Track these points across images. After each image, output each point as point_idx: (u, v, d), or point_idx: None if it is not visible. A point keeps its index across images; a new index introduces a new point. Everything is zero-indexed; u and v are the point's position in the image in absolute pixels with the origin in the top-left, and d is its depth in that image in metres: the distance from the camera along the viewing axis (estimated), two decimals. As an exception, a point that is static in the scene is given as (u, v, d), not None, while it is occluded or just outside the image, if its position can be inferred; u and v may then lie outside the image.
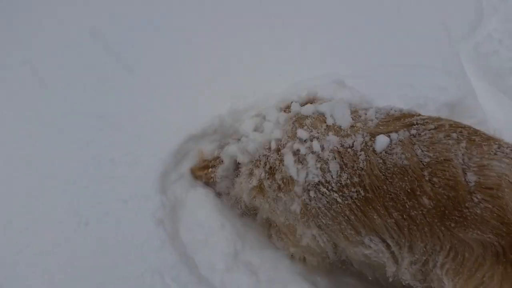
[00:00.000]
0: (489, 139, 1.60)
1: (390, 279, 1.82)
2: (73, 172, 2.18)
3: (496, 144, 1.57)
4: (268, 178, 1.91)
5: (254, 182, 1.96)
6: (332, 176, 1.71)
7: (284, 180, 1.84)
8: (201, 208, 2.20)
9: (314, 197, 1.77)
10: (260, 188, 1.96)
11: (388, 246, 1.72)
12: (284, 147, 1.86)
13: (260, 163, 1.95)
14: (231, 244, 2.10)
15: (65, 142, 2.30)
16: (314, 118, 1.88)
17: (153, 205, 2.08)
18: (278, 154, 1.87)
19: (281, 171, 1.84)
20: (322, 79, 2.51)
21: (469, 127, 1.66)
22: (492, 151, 1.54)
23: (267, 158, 1.91)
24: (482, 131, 1.64)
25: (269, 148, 1.91)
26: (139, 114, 2.41)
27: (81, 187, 2.13)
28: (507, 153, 1.54)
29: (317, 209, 1.78)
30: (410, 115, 1.75)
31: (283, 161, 1.83)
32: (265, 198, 1.97)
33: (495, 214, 1.47)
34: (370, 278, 1.99)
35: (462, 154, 1.54)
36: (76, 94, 2.54)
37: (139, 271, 1.88)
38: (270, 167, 1.89)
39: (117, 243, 1.96)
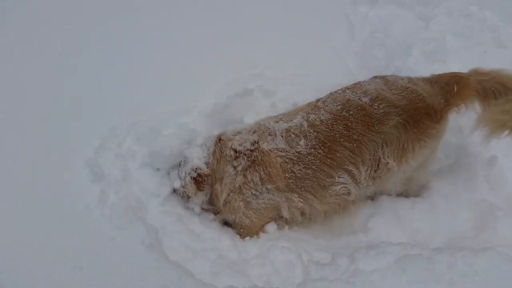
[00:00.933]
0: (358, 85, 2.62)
1: (354, 206, 2.68)
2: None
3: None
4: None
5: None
6: (301, 148, 2.46)
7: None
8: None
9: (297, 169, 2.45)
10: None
11: (350, 173, 2.50)
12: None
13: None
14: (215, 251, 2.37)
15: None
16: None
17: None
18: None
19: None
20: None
21: (351, 85, 2.64)
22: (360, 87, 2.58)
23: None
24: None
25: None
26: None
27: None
28: (371, 81, 2.59)
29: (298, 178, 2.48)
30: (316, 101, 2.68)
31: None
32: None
33: (389, 106, 2.42)
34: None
35: (353, 94, 2.52)
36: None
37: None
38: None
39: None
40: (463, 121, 3.28)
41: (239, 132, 2.64)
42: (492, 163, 3.03)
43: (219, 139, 2.64)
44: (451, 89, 2.53)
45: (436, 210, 2.82)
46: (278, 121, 2.60)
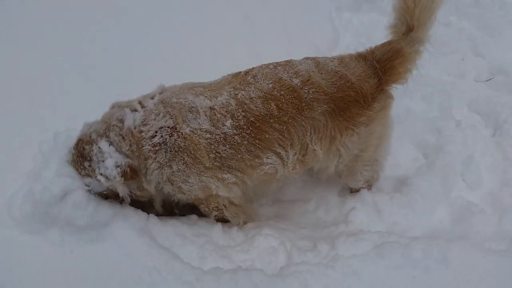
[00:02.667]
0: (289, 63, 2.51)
1: (279, 183, 2.68)
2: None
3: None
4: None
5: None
6: (227, 129, 2.34)
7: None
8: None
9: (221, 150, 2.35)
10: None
11: (279, 155, 2.45)
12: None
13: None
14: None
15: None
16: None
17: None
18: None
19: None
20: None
21: (283, 62, 2.52)
22: (292, 66, 2.46)
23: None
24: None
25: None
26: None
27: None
28: (303, 62, 2.51)
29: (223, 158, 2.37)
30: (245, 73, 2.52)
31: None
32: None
33: (318, 92, 2.37)
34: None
35: (286, 73, 2.41)
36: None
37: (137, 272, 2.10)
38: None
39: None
40: (441, 123, 3.45)
41: (146, 119, 2.34)
42: (469, 162, 3.17)
43: (131, 133, 2.33)
44: (382, 66, 2.46)
45: (413, 205, 2.94)
46: (198, 95, 2.38)
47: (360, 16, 4.29)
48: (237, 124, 2.32)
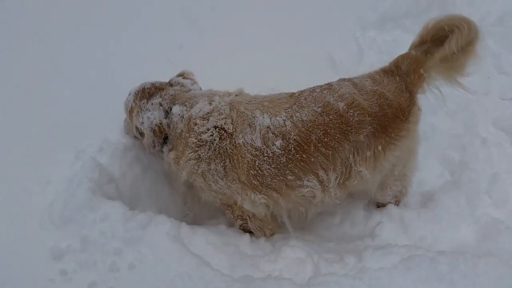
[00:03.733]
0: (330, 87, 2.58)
1: (317, 208, 2.69)
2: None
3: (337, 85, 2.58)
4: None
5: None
6: (276, 148, 2.43)
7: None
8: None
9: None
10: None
11: (320, 178, 2.49)
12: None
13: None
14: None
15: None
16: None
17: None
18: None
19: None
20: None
21: (325, 85, 2.61)
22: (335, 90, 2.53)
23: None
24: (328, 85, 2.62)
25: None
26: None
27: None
28: (342, 84, 2.57)
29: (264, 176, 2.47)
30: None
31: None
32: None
33: (363, 114, 2.45)
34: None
35: (331, 96, 2.49)
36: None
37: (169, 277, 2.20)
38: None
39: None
40: (466, 140, 3.47)
41: (208, 114, 2.48)
42: (494, 179, 3.18)
43: (188, 121, 2.50)
44: (412, 78, 2.58)
45: (439, 220, 2.96)
46: (263, 113, 2.47)
47: (384, 35, 4.36)
48: (286, 145, 2.40)
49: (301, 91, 2.61)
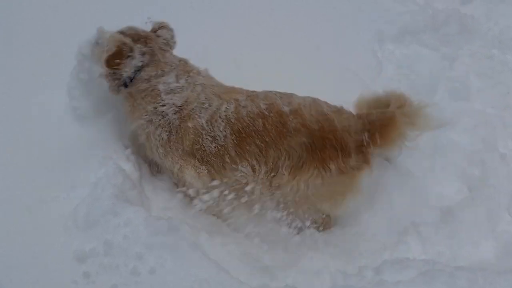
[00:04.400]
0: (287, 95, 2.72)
1: (247, 198, 2.70)
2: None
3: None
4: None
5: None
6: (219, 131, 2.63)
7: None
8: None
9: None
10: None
11: (253, 167, 2.65)
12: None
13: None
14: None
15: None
16: None
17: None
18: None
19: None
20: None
21: (286, 93, 2.73)
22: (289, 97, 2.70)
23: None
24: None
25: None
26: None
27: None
28: (305, 97, 2.70)
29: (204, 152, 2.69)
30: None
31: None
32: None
33: (301, 124, 2.55)
34: None
35: (282, 100, 2.64)
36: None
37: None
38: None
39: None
40: (485, 156, 3.46)
41: (172, 91, 2.70)
42: (515, 196, 3.15)
43: (154, 88, 2.71)
44: (372, 128, 2.61)
45: (458, 236, 2.94)
46: (217, 98, 2.70)
47: (402, 48, 4.38)
48: (228, 130, 2.62)
49: (264, 91, 2.79)
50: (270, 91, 2.76)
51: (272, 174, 2.65)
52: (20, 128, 2.92)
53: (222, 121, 2.63)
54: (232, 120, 2.62)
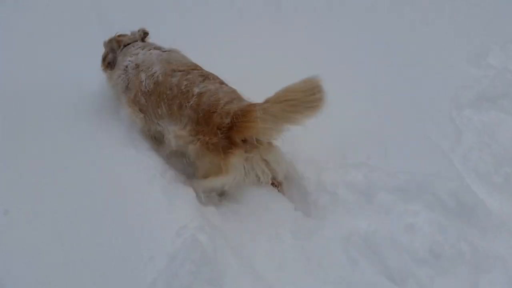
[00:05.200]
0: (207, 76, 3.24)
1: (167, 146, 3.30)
2: None
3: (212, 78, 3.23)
4: None
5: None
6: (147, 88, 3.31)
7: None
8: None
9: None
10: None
11: (164, 125, 3.21)
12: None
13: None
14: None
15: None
16: None
17: None
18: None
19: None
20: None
21: (216, 76, 3.27)
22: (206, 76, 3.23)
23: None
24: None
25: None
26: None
27: None
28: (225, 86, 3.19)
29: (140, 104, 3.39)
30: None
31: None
32: None
33: (196, 104, 3.00)
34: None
35: (209, 80, 3.16)
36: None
37: None
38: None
39: None
40: None
41: (138, 55, 3.53)
42: None
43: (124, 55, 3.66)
44: (236, 119, 2.85)
45: None
46: (159, 65, 3.33)
47: (481, 115, 4.18)
48: (152, 89, 3.26)
49: (204, 71, 3.34)
50: (208, 72, 3.28)
51: (177, 132, 3.10)
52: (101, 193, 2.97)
53: (151, 81, 3.26)
54: (157, 83, 3.23)
